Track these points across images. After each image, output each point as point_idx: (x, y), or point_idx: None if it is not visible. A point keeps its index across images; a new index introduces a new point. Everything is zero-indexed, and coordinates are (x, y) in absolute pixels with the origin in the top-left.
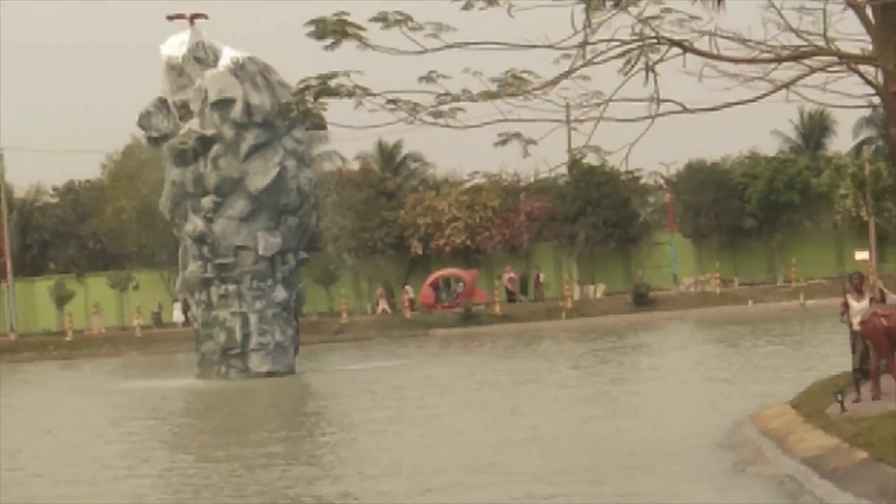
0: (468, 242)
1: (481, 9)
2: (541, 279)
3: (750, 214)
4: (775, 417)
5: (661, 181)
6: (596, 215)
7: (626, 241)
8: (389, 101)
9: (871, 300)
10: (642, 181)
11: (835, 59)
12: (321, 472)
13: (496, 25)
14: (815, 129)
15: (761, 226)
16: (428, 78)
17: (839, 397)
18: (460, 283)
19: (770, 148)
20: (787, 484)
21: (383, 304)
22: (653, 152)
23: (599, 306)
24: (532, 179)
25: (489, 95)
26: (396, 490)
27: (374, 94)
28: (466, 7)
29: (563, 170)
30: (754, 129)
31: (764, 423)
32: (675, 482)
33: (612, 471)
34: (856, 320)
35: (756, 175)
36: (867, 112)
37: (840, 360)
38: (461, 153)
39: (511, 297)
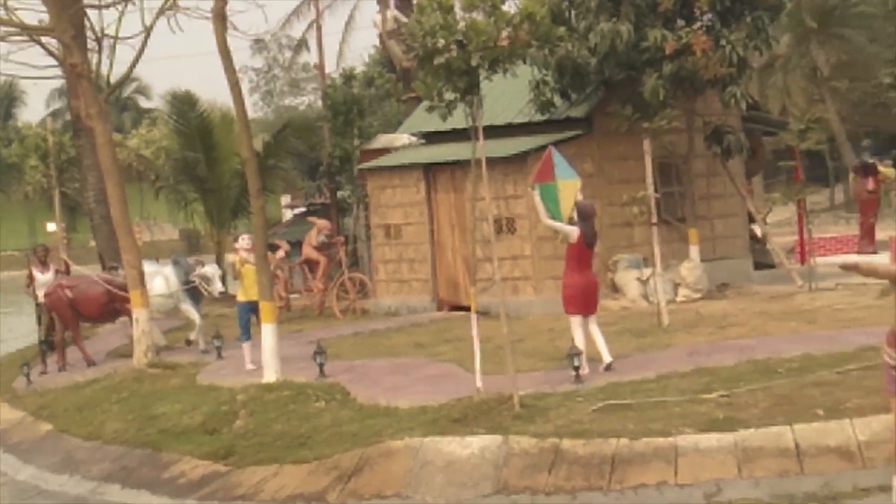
0: None
1: None
2: None
3: None
4: None
5: None
6: None
7: None
8: None
9: (57, 272)
10: None
11: (15, 29)
12: None
13: None
14: (4, 98)
15: None
16: None
17: (25, 370)
18: None
19: None
20: None
21: None
22: None
23: None
24: None
25: None
26: None
27: None
28: None
29: None
30: None
31: None
32: None
33: None
34: (41, 292)
35: None
36: (62, 83)
37: (29, 333)
38: None
39: None
